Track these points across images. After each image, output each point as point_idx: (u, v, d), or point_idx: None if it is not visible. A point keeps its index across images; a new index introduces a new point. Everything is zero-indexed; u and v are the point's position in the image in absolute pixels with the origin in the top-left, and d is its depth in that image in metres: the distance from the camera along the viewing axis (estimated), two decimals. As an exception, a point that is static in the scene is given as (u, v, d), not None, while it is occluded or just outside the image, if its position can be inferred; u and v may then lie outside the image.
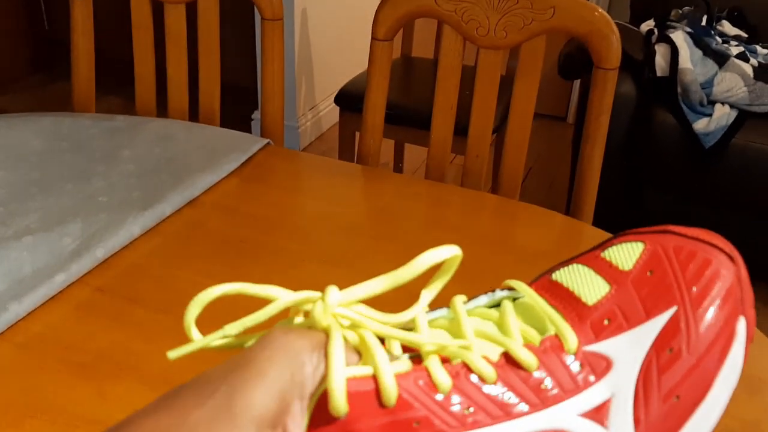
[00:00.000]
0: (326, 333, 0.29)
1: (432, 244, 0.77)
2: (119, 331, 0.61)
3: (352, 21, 2.96)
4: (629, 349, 0.32)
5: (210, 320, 0.39)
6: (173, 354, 0.31)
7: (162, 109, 1.13)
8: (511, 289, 0.36)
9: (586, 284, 0.34)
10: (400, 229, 0.80)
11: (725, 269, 0.33)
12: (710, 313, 0.32)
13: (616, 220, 2.07)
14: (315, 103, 2.83)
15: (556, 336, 0.32)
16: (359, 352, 0.29)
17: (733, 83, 1.88)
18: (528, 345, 0.31)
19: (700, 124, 1.83)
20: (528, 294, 0.34)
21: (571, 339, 0.31)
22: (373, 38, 1.03)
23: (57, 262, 0.67)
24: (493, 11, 0.96)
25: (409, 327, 0.32)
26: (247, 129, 2.73)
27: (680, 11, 2.16)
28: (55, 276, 0.65)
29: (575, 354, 0.31)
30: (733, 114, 1.85)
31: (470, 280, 0.71)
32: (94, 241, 0.71)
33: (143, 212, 0.76)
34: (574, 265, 0.36)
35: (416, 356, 0.31)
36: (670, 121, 1.87)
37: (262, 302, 0.30)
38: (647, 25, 2.14)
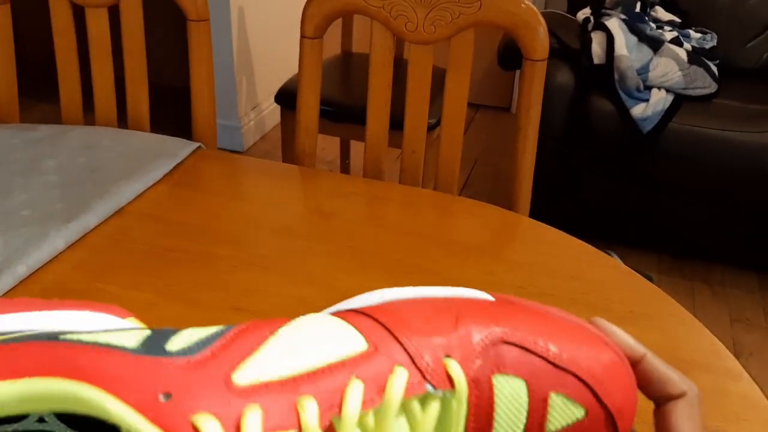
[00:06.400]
0: None
1: (366, 242, 0.76)
2: (40, 351, 0.59)
3: (291, 19, 2.94)
4: None
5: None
6: None
7: (90, 116, 1.10)
8: None
9: None
10: (334, 229, 0.79)
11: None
12: None
13: (556, 208, 2.09)
14: (257, 103, 2.79)
15: None
16: None
17: (668, 68, 1.92)
18: None
19: (638, 110, 1.87)
20: None
21: None
22: (302, 36, 1.02)
23: (-26, 282, 0.64)
24: (421, 6, 0.96)
25: None
26: (188, 131, 2.68)
27: (614, -2, 2.19)
28: (-27, 296, 0.63)
29: None
30: (669, 98, 1.89)
31: (402, 275, 0.70)
32: (16, 257, 0.68)
33: (67, 224, 0.74)
34: None
35: None
36: (608, 107, 1.89)
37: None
38: (583, 13, 2.17)
